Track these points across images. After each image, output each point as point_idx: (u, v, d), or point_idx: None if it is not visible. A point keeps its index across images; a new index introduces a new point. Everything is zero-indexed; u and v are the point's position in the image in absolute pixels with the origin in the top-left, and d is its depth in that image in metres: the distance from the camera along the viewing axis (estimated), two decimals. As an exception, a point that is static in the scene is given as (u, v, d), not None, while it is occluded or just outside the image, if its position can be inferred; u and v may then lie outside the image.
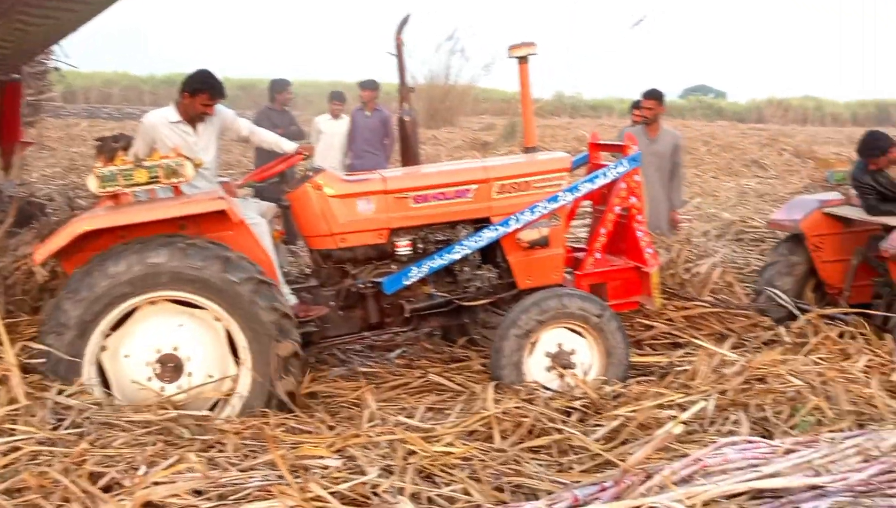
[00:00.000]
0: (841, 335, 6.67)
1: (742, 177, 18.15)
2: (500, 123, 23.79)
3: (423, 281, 6.07)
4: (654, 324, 6.94)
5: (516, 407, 5.29)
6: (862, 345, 6.46)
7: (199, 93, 6.19)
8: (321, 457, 4.56)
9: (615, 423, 5.21)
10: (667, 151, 9.01)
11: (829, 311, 7.04)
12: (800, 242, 7.51)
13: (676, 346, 6.79)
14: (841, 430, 5.08)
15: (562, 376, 5.84)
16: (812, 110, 36.78)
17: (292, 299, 5.92)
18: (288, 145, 6.49)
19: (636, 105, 9.19)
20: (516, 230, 6.11)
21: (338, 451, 4.70)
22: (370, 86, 11.42)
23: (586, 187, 6.35)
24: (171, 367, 5.31)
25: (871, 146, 7.00)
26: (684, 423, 5.12)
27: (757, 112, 36.12)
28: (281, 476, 4.27)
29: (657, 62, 51.41)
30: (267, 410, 5.29)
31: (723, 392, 5.59)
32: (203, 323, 5.37)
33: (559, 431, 5.11)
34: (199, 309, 5.35)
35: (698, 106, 36.89)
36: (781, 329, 6.91)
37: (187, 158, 5.45)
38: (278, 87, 11.09)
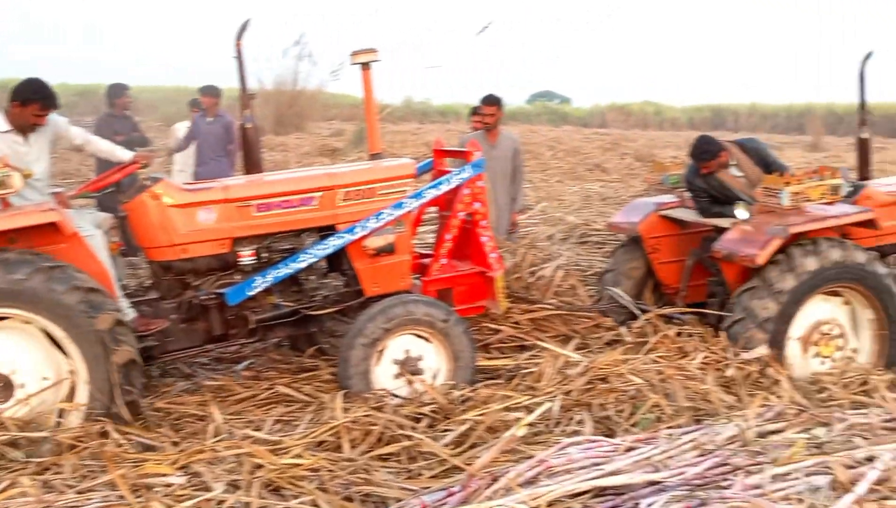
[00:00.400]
0: (679, 334, 6.86)
1: (586, 181, 18.57)
2: (349, 129, 23.71)
3: (268, 291, 5.97)
4: (501, 328, 6.99)
5: (365, 416, 5.27)
6: (698, 343, 6.66)
7: (31, 103, 5.90)
8: (164, 475, 4.44)
9: (464, 427, 5.23)
10: (507, 156, 9.08)
11: (667, 311, 7.22)
12: (638, 244, 7.69)
13: (523, 349, 6.88)
14: (679, 426, 5.23)
15: (410, 382, 5.85)
16: (652, 115, 38.05)
17: (131, 313, 5.73)
18: (123, 154, 6.27)
19: (475, 111, 9.25)
20: (362, 238, 6.07)
21: (182, 468, 4.58)
22: (211, 92, 11.22)
23: (431, 193, 6.37)
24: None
25: (702, 151, 7.21)
26: (530, 425, 5.19)
27: (600, 117, 37.15)
28: (122, 497, 4.13)
29: (504, 68, 52.27)
30: (108, 425, 5.11)
31: (567, 393, 5.71)
32: (14, 331, 5.16)
33: (408, 438, 5.11)
34: (4, 319, 5.12)
35: (544, 111, 37.69)
36: (623, 329, 7.06)
37: (15, 169, 5.23)
38: (116, 92, 10.77)
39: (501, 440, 4.57)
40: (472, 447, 5.11)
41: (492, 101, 9.08)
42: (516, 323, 7.15)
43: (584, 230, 11.66)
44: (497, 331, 7.02)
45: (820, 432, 4.84)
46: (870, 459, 4.28)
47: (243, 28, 6.20)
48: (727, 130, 34.21)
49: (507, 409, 5.47)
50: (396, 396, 5.74)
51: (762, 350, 6.30)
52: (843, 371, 6.49)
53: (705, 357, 6.40)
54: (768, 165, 7.27)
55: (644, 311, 7.22)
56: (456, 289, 6.47)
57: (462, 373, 5.98)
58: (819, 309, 6.70)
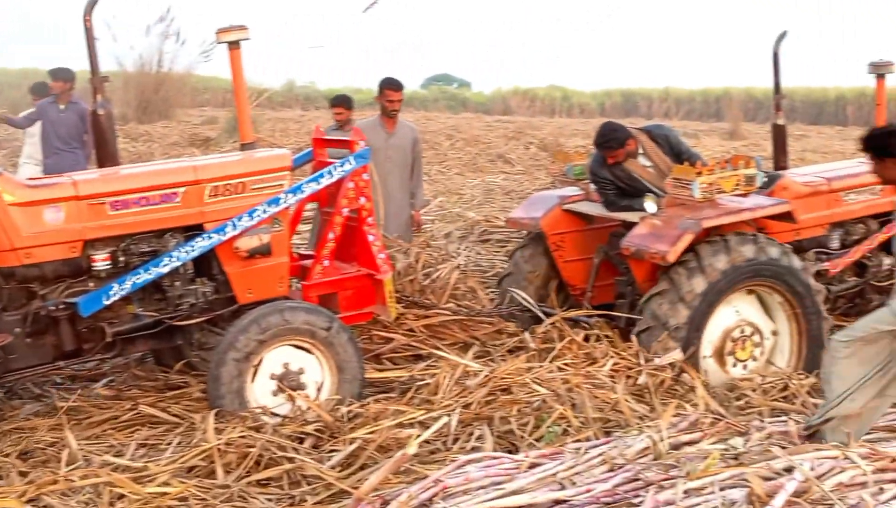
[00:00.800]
0: (586, 339, 6.96)
1: (488, 173, 18.69)
2: (223, 116, 23.42)
3: (126, 300, 5.85)
4: (393, 336, 7.04)
5: (241, 437, 5.24)
6: (607, 348, 6.77)
7: None
8: (9, 510, 4.35)
9: (352, 447, 5.25)
10: (407, 146, 9.09)
11: (573, 313, 7.34)
12: (541, 241, 7.77)
13: (417, 358, 6.92)
14: (587, 439, 5.31)
15: (292, 399, 5.84)
16: (559, 101, 38.53)
17: (-33, 328, 5.57)
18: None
19: (382, 94, 9.16)
20: (233, 238, 6.02)
21: (31, 501, 4.52)
22: (63, 75, 10.98)
23: (311, 188, 6.33)
24: None
25: (607, 138, 7.30)
26: (425, 442, 5.28)
27: (502, 103, 37.46)
28: (-43, 538, 4.03)
29: (395, 50, 52.28)
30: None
31: (466, 406, 5.76)
32: None
33: (290, 460, 5.10)
34: None
35: (441, 96, 37.85)
36: (526, 335, 7.13)
37: None
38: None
39: (392, 460, 4.58)
40: (362, 468, 5.12)
41: (396, 85, 9.09)
42: (410, 330, 7.19)
43: (485, 227, 11.73)
44: (389, 340, 7.04)
45: (737, 442, 4.94)
46: (788, 470, 4.38)
47: (93, 2, 6.06)
48: (640, 116, 34.83)
49: (401, 425, 5.50)
50: (276, 414, 5.71)
51: (675, 356, 6.43)
52: (763, 376, 6.70)
53: (615, 364, 6.51)
54: (679, 154, 7.41)
55: (548, 314, 7.30)
56: (340, 294, 6.46)
57: (349, 387, 5.99)
58: (734, 309, 6.87)
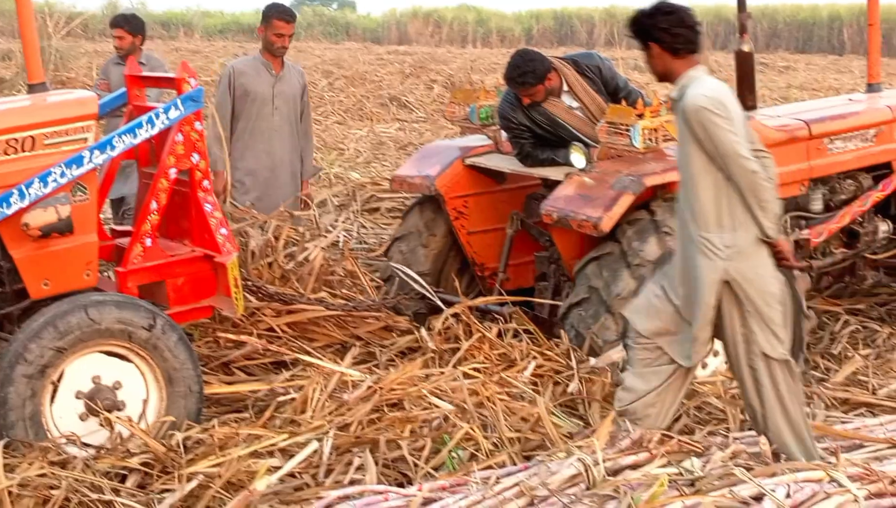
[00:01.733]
0: (500, 335, 7.01)
1: (378, 121, 18.73)
2: (19, 49, 23.06)
3: None
4: (244, 338, 7.01)
5: (41, 475, 5.21)
6: (528, 347, 6.83)
7: None
8: None
9: (191, 485, 5.21)
10: (296, 94, 9.14)
11: (481, 301, 7.36)
12: (437, 207, 7.78)
13: (279, 367, 6.95)
14: (500, 465, 5.39)
15: (108, 423, 5.79)
16: (472, 26, 38.68)
17: None
18: None
19: (272, 21, 9.05)
20: (20, 212, 5.87)
21: None
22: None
23: (124, 142, 6.20)
24: None
25: (522, 71, 7.29)
26: (292, 475, 5.34)
27: (397, 29, 37.50)
28: None
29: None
30: None
31: (344, 427, 5.80)
32: None
33: (108, 504, 5.08)
34: None
35: (316, 21, 37.75)
36: (422, 332, 7.19)
37: None
38: None
39: (238, 500, 4.58)
40: None
41: (292, 15, 9.09)
42: (268, 330, 7.17)
43: (371, 193, 11.80)
44: (239, 343, 7.01)
45: (693, 464, 5.01)
46: (757, 498, 4.47)
47: None
48: (577, 44, 35.09)
49: (256, 455, 5.48)
50: (88, 445, 5.67)
51: (616, 354, 6.44)
52: (730, 378, 6.75)
53: (538, 367, 6.56)
54: (615, 92, 7.48)
55: (449, 303, 7.31)
56: (169, 282, 6.36)
57: (184, 404, 5.98)
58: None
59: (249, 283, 7.05)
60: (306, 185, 9.34)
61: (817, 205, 7.99)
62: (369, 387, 6.10)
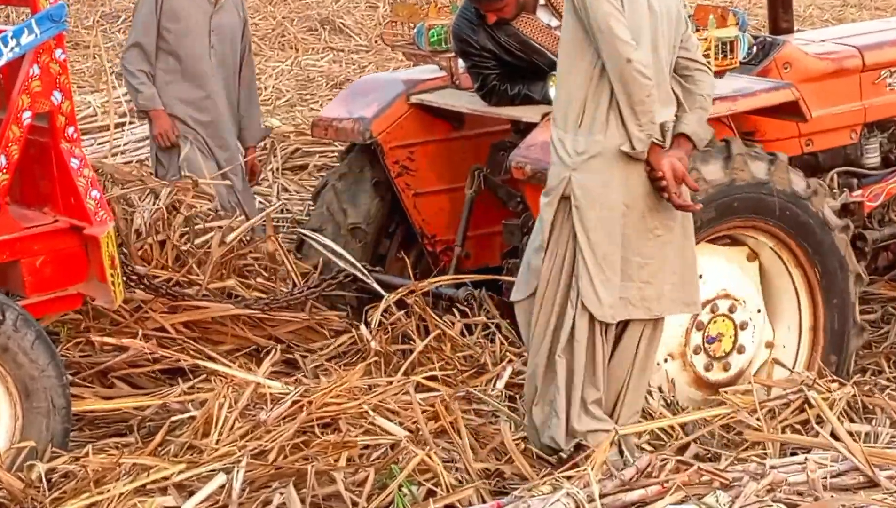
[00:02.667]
0: (465, 331, 7.06)
1: (306, 51, 18.65)
2: None
3: None
4: (129, 340, 7.00)
5: None
6: (503, 347, 6.90)
7: None
8: None
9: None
10: (236, 29, 9.22)
11: (436, 282, 7.37)
12: (374, 159, 7.77)
13: (174, 376, 6.99)
14: (468, 502, 5.49)
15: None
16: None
17: None
18: None
19: None
20: None
21: None
22: None
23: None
24: None
25: None
26: None
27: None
28: None
29: None
30: None
31: (260, 455, 5.84)
32: None
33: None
34: None
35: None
36: (363, 330, 7.21)
37: None
38: None
39: None
40: None
41: None
42: (159, 330, 7.17)
43: (297, 145, 11.82)
44: (121, 348, 7.01)
45: (718, 499, 5.07)
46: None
47: None
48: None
49: (144, 492, 5.53)
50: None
51: None
52: (765, 386, 6.80)
53: (516, 374, 6.61)
54: None
55: (391, 287, 7.31)
56: (23, 263, 6.30)
57: (45, 425, 5.98)
58: (705, 269, 6.92)
59: (129, 269, 7.03)
60: (252, 152, 9.45)
61: (873, 158, 8.02)
62: (294, 402, 6.14)
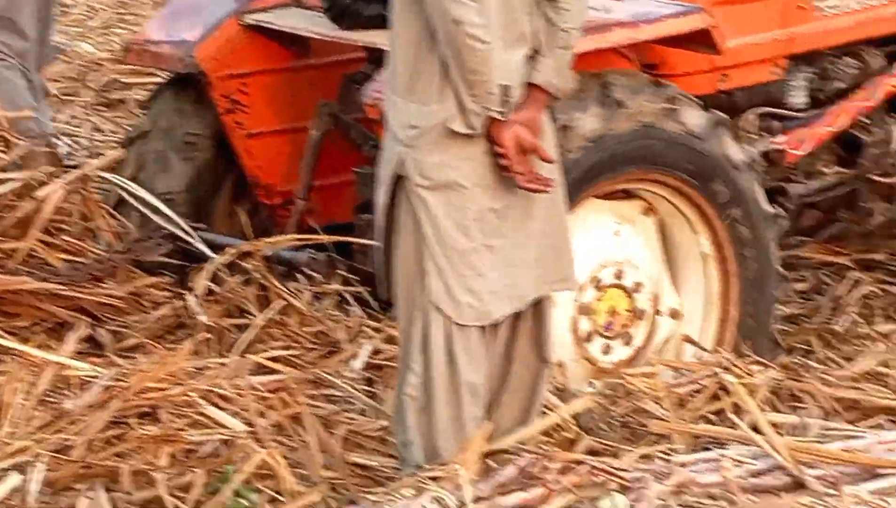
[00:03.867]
0: (315, 299, 7.16)
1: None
2: None
3: None
4: None
5: None
6: (361, 321, 7.05)
7: None
8: None
9: None
10: None
11: (274, 241, 7.44)
12: (199, 92, 7.85)
13: None
14: None
15: None
16: None
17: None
18: None
19: None
20: None
21: None
22: None
23: None
24: None
25: None
26: None
27: None
28: None
29: None
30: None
31: (64, 450, 5.86)
32: None
33: None
34: None
35: None
36: (190, 300, 7.25)
37: None
38: None
39: None
40: None
41: None
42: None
43: (113, 75, 11.90)
44: None
45: (614, 503, 5.17)
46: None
47: None
48: None
49: None
50: None
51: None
52: (676, 368, 7.00)
53: (376, 354, 6.80)
54: None
55: (219, 247, 7.38)
56: None
57: None
58: (595, 227, 7.07)
59: None
60: (43, 73, 9.41)
61: (799, 97, 8.09)
62: (106, 388, 6.17)
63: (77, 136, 10.20)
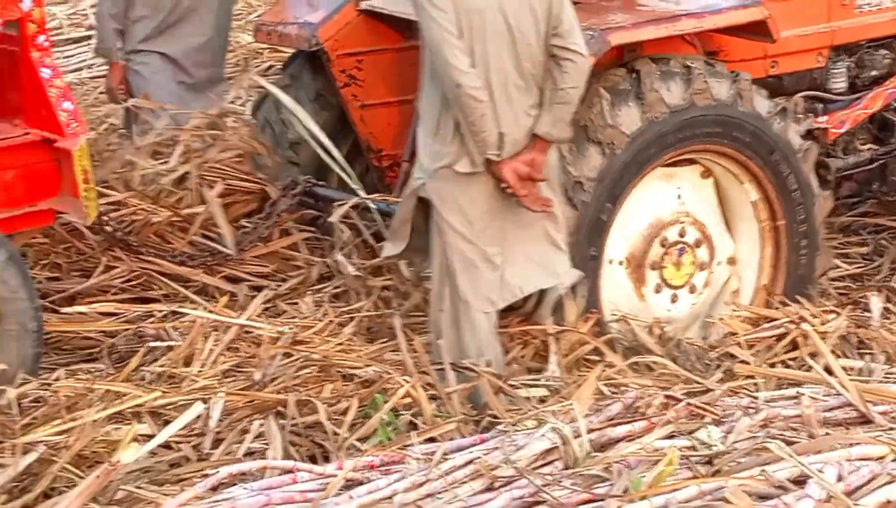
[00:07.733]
0: None
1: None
2: None
3: None
4: (115, 262, 7.08)
5: None
6: None
7: None
8: None
9: (30, 458, 5.18)
10: None
11: (383, 198, 7.40)
12: (320, 68, 7.81)
13: (148, 300, 6.97)
14: (449, 437, 5.45)
15: None
16: None
17: None
18: None
19: None
20: None
21: None
22: None
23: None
24: None
25: None
26: (168, 446, 5.41)
27: None
28: None
29: None
30: None
31: (245, 389, 5.89)
32: None
33: None
34: None
35: None
36: (338, 258, 7.21)
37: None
38: None
39: (90, 480, 4.65)
40: (46, 496, 5.12)
41: None
42: (130, 249, 7.17)
43: (270, 62, 11.66)
44: (87, 271, 7.04)
45: (710, 435, 5.06)
46: (799, 481, 4.52)
47: None
48: None
49: (117, 418, 5.51)
50: None
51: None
52: (753, 314, 6.98)
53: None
54: None
55: (335, 202, 7.35)
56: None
57: (16, 349, 6.00)
58: (675, 189, 7.12)
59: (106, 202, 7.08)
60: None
61: (839, 83, 8.01)
62: (289, 342, 6.27)
63: (242, 114, 10.19)
